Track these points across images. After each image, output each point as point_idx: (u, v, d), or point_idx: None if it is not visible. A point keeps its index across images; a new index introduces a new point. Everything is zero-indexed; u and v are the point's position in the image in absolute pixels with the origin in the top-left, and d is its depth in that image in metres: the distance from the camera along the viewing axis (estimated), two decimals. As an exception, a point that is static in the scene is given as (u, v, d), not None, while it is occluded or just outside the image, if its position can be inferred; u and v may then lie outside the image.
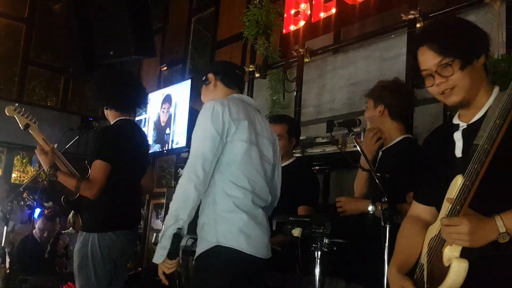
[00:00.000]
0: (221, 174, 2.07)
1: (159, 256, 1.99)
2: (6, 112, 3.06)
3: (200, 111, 2.15)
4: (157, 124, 6.61)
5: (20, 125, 3.05)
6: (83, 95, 7.65)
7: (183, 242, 2.11)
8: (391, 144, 2.61)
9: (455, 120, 1.65)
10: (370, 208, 2.27)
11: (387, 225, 2.10)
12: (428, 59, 1.56)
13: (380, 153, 2.65)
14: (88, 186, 2.77)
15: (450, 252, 1.44)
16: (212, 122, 2.06)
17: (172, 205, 2.00)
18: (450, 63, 1.52)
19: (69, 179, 2.83)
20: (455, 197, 1.43)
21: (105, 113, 3.08)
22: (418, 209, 1.73)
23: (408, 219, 1.76)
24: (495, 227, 1.38)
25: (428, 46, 1.56)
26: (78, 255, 2.80)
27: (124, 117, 3.01)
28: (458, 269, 1.41)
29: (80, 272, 2.79)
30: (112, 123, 3.03)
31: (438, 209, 1.56)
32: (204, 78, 2.38)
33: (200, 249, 2.03)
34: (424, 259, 1.56)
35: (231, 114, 2.11)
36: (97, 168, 2.78)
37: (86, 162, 2.88)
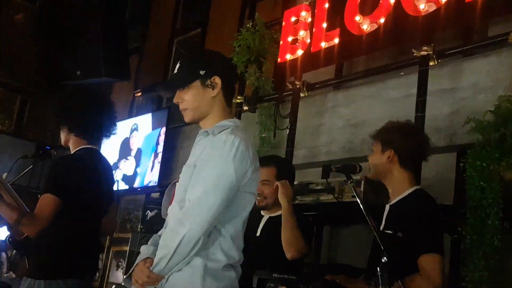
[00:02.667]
0: (222, 227, 1.99)
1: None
2: None
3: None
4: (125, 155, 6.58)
5: None
6: (42, 120, 7.61)
7: None
8: (400, 197, 2.59)
9: None
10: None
11: (387, 290, 2.06)
12: None
13: (387, 207, 2.64)
14: (30, 221, 2.71)
15: None
16: (236, 168, 1.95)
17: (165, 250, 1.95)
18: None
19: (9, 210, 2.74)
20: None
21: (63, 139, 3.03)
22: None
23: None
24: None
25: None
26: (21, 306, 2.75)
27: (88, 146, 2.99)
28: None
29: None
30: (72, 151, 3.00)
31: None
32: (203, 72, 2.07)
33: None
34: None
35: (252, 160, 2.01)
36: (45, 203, 2.73)
37: (39, 196, 2.82)
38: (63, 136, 3.04)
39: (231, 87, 2.16)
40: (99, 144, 3.09)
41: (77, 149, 2.99)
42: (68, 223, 2.78)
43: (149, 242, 2.13)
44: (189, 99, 2.07)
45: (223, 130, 2.04)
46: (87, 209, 2.87)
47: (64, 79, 5.91)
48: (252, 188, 2.05)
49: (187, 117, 2.12)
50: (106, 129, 3.08)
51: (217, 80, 2.07)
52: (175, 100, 2.11)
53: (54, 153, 3.33)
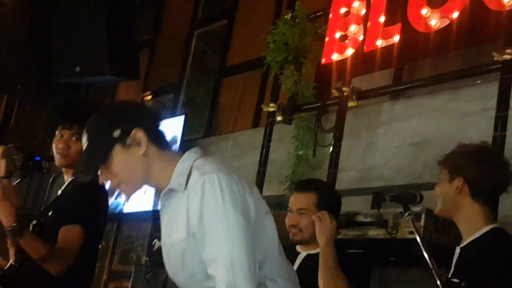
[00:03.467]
0: (269, 277, 1.97)
1: None
2: None
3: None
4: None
5: None
6: (31, 124, 7.64)
7: None
8: (473, 238, 2.57)
9: None
10: None
11: None
12: None
13: (457, 250, 2.62)
14: (61, 257, 2.81)
15: None
16: (235, 206, 1.90)
17: None
18: None
19: (39, 244, 2.81)
20: None
21: (74, 153, 3.01)
22: None
23: None
24: None
25: None
26: None
27: None
28: None
29: None
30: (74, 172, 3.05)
31: None
32: (118, 132, 2.01)
33: None
34: None
35: (241, 183, 1.98)
36: (74, 236, 2.85)
37: (34, 222, 2.92)
38: (76, 148, 2.99)
39: (158, 131, 2.11)
40: None
41: None
42: (84, 260, 2.91)
43: None
44: (117, 172, 2.03)
45: (188, 176, 2.00)
46: (97, 242, 3.07)
47: (60, 76, 5.99)
48: (263, 208, 2.02)
49: (128, 192, 2.09)
50: None
51: (138, 133, 2.03)
52: (102, 180, 2.08)
53: (47, 165, 3.26)
